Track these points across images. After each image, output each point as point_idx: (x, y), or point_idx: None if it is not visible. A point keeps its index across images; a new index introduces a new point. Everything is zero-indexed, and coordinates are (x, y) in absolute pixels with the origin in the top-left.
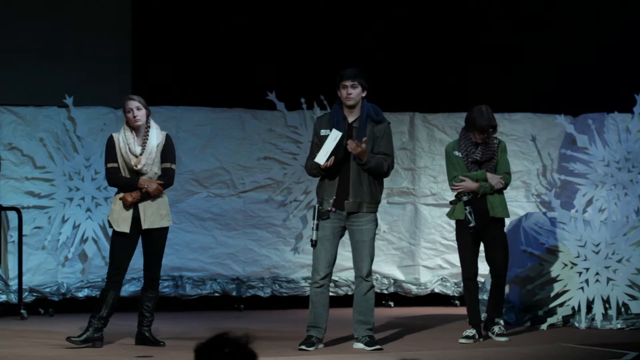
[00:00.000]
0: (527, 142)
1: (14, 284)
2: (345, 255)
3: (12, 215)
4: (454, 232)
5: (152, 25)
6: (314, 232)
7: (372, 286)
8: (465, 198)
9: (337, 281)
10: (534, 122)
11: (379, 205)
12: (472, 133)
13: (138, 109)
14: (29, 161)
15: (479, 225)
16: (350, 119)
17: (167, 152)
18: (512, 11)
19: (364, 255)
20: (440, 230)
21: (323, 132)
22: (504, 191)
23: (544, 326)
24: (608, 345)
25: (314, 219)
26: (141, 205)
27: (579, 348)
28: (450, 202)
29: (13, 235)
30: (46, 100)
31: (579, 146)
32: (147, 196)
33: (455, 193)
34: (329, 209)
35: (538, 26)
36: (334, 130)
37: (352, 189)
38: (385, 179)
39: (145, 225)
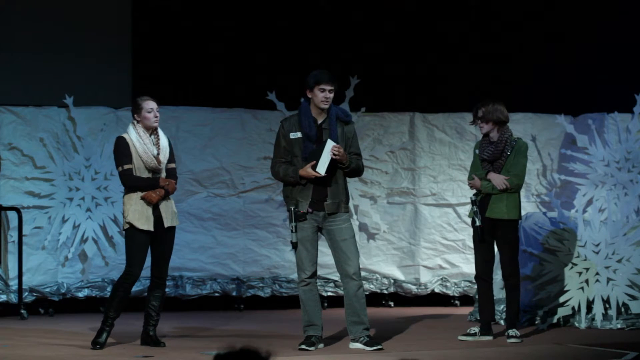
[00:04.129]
0: (527, 142)
1: (14, 284)
2: None
3: (12, 215)
4: (455, 232)
5: (152, 25)
6: (293, 234)
7: (361, 285)
8: (473, 197)
9: (336, 281)
10: (534, 122)
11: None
12: None
13: (157, 109)
14: (29, 161)
15: (483, 224)
16: (319, 121)
17: (171, 152)
18: (512, 11)
19: (349, 254)
20: (440, 230)
21: (293, 135)
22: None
23: (543, 326)
24: (608, 345)
25: (291, 221)
26: (161, 205)
27: (579, 348)
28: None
29: (13, 235)
30: (46, 100)
31: (579, 146)
32: (166, 195)
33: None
34: (306, 210)
35: (538, 26)
36: (329, 141)
37: (331, 190)
38: (385, 179)
39: (167, 223)
